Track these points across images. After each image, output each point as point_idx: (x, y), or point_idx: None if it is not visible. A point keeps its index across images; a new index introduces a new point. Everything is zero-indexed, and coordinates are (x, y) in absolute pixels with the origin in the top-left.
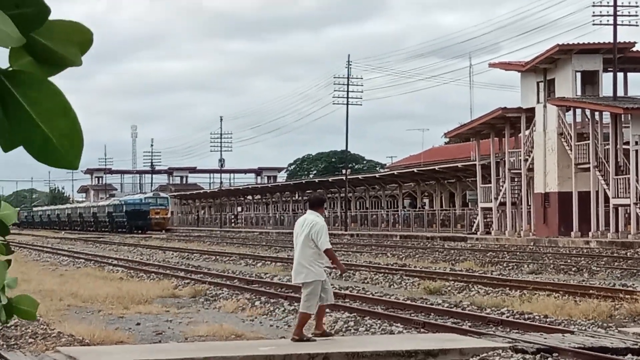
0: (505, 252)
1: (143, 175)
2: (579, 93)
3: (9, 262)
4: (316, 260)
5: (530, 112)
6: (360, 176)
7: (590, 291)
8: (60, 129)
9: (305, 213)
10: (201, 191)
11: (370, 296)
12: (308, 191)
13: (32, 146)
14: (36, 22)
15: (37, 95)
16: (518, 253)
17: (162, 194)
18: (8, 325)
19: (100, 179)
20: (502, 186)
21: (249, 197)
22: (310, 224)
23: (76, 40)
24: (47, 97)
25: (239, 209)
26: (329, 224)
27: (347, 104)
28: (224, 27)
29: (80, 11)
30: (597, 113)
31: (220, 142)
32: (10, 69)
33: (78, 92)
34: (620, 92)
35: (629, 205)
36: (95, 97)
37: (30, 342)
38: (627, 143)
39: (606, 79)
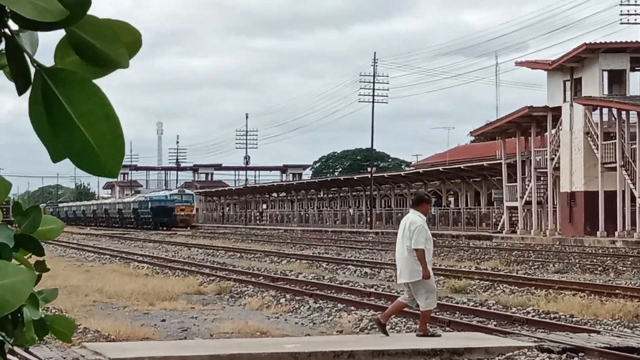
0: (531, 251)
1: (168, 172)
2: (605, 92)
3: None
4: (416, 259)
5: (557, 111)
6: (385, 174)
7: (617, 291)
8: (101, 134)
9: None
10: (226, 188)
11: (396, 294)
12: (333, 189)
13: (71, 150)
14: (77, 13)
15: (79, 96)
16: (544, 252)
17: (187, 191)
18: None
19: (126, 175)
20: (528, 185)
21: (274, 194)
22: (410, 223)
23: (124, 41)
24: (89, 98)
25: (264, 206)
26: (354, 221)
27: (373, 102)
28: (250, 24)
29: (107, 7)
30: (623, 112)
31: (246, 139)
32: (54, 67)
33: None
34: None
35: None
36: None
37: (56, 337)
38: None
39: (633, 78)
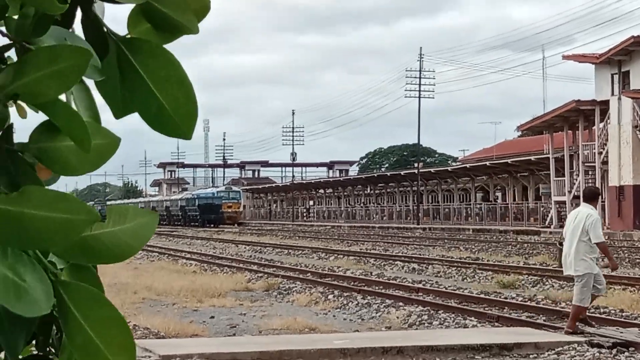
0: None
1: (215, 169)
2: None
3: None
4: (588, 253)
5: (605, 104)
6: (432, 170)
7: None
8: (175, 98)
9: (577, 207)
10: (273, 185)
11: (444, 290)
12: (380, 184)
13: (147, 114)
14: None
15: (154, 62)
16: None
17: (234, 188)
18: None
19: (173, 172)
20: (576, 179)
21: (321, 190)
22: (584, 217)
23: (193, 7)
24: (163, 65)
25: (311, 202)
26: (401, 217)
27: (419, 97)
28: (296, 20)
29: None
30: None
31: (292, 136)
32: (129, 36)
33: None
34: None
35: None
36: None
37: None
38: None
39: None
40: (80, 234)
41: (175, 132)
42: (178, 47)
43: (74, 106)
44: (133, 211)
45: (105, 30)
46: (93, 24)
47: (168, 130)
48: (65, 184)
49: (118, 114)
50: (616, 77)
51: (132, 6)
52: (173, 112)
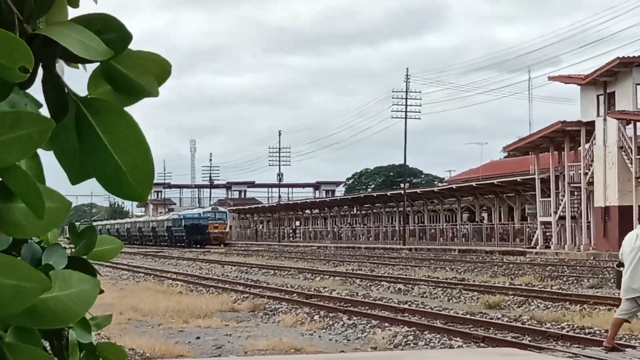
0: (565, 267)
1: (202, 189)
2: (639, 106)
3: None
4: None
5: (590, 125)
6: (418, 190)
7: None
8: (132, 160)
9: (634, 229)
10: (259, 205)
11: (430, 310)
12: (366, 205)
13: (103, 176)
14: (118, 49)
15: (113, 123)
16: (578, 267)
17: (221, 209)
18: None
19: (159, 193)
20: (562, 200)
21: (307, 211)
22: None
23: (154, 71)
24: (122, 126)
25: (297, 223)
26: (388, 237)
27: (406, 118)
28: (284, 41)
29: (141, 25)
30: None
31: (279, 157)
32: (89, 96)
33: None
34: None
35: None
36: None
37: None
38: None
39: None
40: (32, 301)
41: (131, 194)
42: None
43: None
44: (77, 277)
45: (66, 90)
46: (54, 83)
47: (123, 192)
48: None
49: (74, 179)
50: (602, 98)
51: (94, 66)
52: (130, 174)
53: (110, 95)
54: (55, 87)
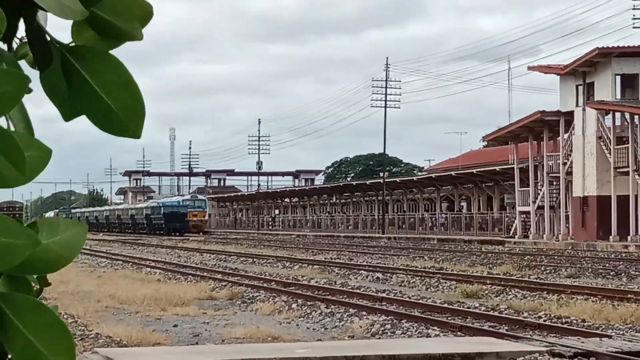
0: (543, 256)
1: (181, 177)
2: (618, 96)
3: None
4: None
5: (569, 115)
6: (398, 179)
7: (629, 295)
8: (122, 100)
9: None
10: (239, 194)
11: (407, 299)
12: (345, 194)
13: (95, 117)
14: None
15: (100, 67)
16: (556, 257)
17: (200, 197)
18: None
19: (139, 181)
20: (541, 190)
21: (287, 199)
22: None
23: (136, 14)
24: (109, 69)
25: (277, 211)
26: (367, 226)
27: (385, 107)
28: (265, 30)
29: None
30: (636, 116)
31: (258, 145)
32: (73, 43)
33: None
34: None
35: None
36: None
37: None
38: None
39: None
40: (23, 258)
41: (125, 131)
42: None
43: (6, 122)
44: (64, 223)
45: (49, 39)
46: (36, 34)
47: (117, 130)
48: (30, 192)
49: (67, 116)
50: (581, 88)
51: None
52: (121, 113)
53: (95, 41)
54: (38, 38)
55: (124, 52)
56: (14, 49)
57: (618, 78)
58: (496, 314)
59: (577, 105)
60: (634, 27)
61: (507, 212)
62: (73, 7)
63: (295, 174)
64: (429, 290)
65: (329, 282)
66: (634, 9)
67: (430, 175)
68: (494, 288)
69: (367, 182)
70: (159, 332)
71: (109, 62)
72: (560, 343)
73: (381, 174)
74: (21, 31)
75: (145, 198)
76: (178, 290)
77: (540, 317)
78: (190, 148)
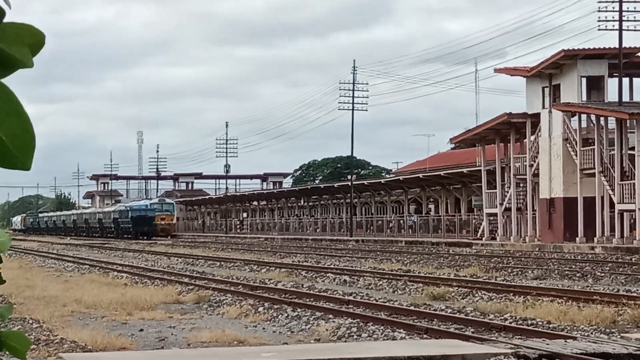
0: (510, 258)
1: (149, 181)
2: (584, 98)
3: None
4: None
5: (536, 117)
6: (365, 182)
7: (594, 297)
8: (12, 129)
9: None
10: (207, 197)
11: (374, 302)
12: (313, 197)
13: None
14: None
15: None
16: (523, 259)
17: (168, 200)
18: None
19: (106, 185)
20: (508, 192)
21: (255, 202)
22: None
23: (28, 42)
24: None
25: (245, 214)
26: (335, 229)
27: (353, 110)
28: (233, 33)
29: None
30: (602, 118)
31: (226, 148)
32: None
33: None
34: (625, 98)
35: (634, 210)
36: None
37: (33, 348)
38: (633, 148)
39: (611, 84)
40: None
41: (13, 164)
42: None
43: None
44: None
45: None
46: None
47: (6, 162)
48: None
49: None
50: (547, 90)
51: None
52: (10, 144)
53: None
54: None
55: (93, 55)
56: None
57: (584, 80)
58: (462, 316)
59: (543, 107)
60: (599, 29)
61: (474, 214)
62: None
63: (263, 177)
64: (396, 292)
65: (296, 285)
66: (599, 11)
67: (398, 177)
68: (461, 290)
69: (335, 185)
70: (125, 336)
71: (0, 91)
72: (525, 345)
73: (349, 177)
74: None
75: (113, 202)
76: (145, 294)
77: (506, 319)
78: (158, 151)
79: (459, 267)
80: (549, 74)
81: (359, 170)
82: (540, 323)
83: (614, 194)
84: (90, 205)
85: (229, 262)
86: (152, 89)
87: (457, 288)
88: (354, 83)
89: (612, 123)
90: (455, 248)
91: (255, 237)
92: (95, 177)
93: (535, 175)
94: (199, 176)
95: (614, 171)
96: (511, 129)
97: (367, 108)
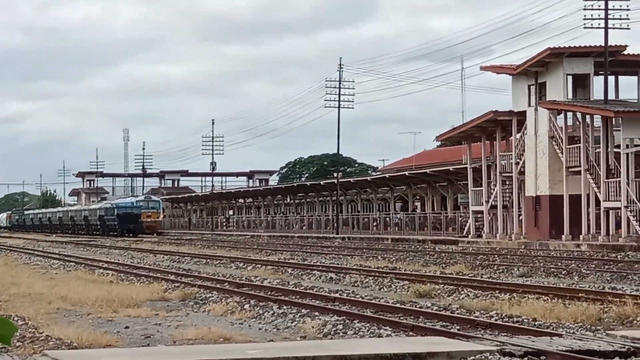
0: (496, 255)
1: (135, 178)
2: (570, 96)
3: None
4: None
5: (522, 115)
6: (352, 179)
7: (580, 294)
8: None
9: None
10: (193, 194)
11: (360, 299)
12: (300, 194)
13: None
14: None
15: None
16: (509, 256)
17: (154, 197)
18: None
19: (92, 182)
20: (494, 189)
21: (241, 200)
22: None
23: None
24: None
25: (231, 212)
26: (321, 226)
27: (339, 107)
28: (219, 30)
29: (77, 14)
30: (588, 116)
31: (212, 146)
32: None
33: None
34: (611, 96)
35: (620, 208)
36: (89, 100)
37: (18, 346)
38: (618, 146)
39: (597, 82)
40: None
41: None
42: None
43: None
44: None
45: None
46: None
47: None
48: None
49: None
50: (533, 88)
51: None
52: None
53: None
54: None
55: (79, 52)
56: None
57: (570, 78)
58: (448, 313)
59: (529, 105)
60: (585, 27)
61: (460, 211)
62: None
63: (250, 175)
64: (382, 290)
65: (282, 282)
66: (584, 9)
67: (384, 175)
68: (447, 288)
69: (321, 183)
70: (110, 333)
71: None
72: (511, 342)
73: (335, 174)
74: None
75: (99, 199)
76: (130, 291)
77: (491, 317)
78: (144, 149)
79: (445, 265)
80: (535, 72)
81: (345, 167)
82: (526, 320)
83: (599, 192)
84: (76, 202)
85: (215, 259)
86: (139, 86)
87: (443, 285)
88: (340, 80)
89: (597, 121)
90: (441, 245)
91: (242, 234)
92: (81, 175)
93: (521, 173)
94: (185, 173)
95: (600, 169)
96: (497, 127)
97: (353, 106)
